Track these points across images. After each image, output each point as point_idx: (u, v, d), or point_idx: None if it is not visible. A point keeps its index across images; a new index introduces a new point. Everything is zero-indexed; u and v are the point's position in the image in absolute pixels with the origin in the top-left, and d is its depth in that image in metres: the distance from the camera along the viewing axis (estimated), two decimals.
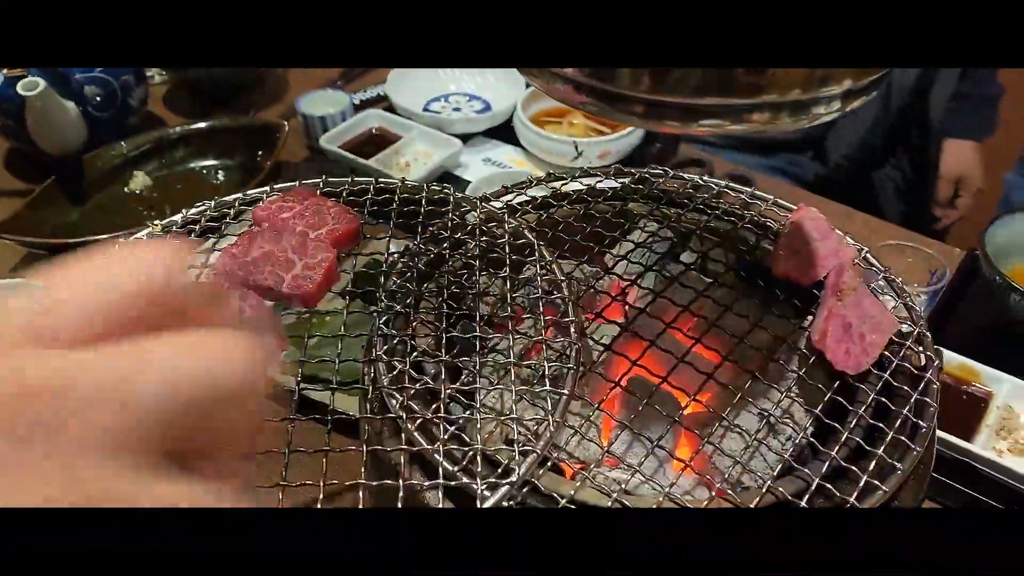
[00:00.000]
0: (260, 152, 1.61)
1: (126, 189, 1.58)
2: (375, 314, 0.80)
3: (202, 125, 1.64)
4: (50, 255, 1.41)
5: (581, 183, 0.99)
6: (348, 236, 0.75)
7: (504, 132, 1.71)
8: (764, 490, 0.67)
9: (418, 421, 0.69)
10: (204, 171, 1.64)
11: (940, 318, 1.24)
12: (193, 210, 0.90)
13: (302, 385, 0.74)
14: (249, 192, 0.92)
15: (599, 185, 0.99)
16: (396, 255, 0.86)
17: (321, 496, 0.65)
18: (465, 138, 1.66)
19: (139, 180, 1.59)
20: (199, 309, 0.30)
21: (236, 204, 0.91)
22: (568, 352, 0.71)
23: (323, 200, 0.80)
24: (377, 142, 1.64)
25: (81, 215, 1.52)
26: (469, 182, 1.53)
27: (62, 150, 1.54)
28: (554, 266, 0.79)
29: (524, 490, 0.66)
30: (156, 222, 0.89)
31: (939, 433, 0.89)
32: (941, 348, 1.10)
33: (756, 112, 0.56)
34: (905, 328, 0.82)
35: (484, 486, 0.63)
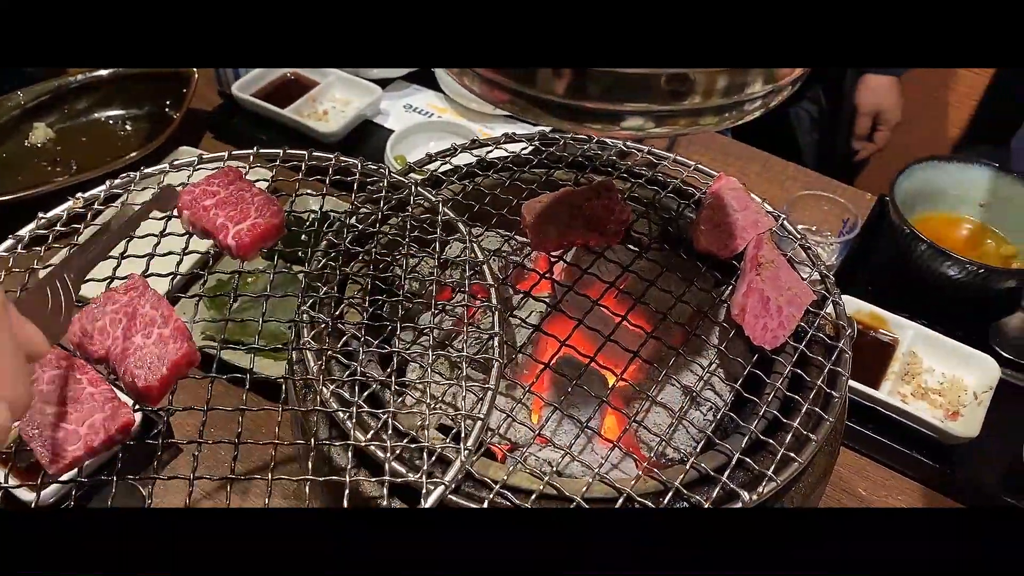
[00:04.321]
0: (169, 101, 1.55)
1: (27, 143, 1.50)
2: (302, 298, 0.80)
3: (104, 73, 1.55)
4: None
5: (506, 150, 0.98)
6: (271, 231, 0.74)
7: (424, 75, 1.67)
8: (688, 466, 0.70)
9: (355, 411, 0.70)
10: (110, 121, 1.56)
11: (851, 265, 1.29)
12: (118, 181, 0.87)
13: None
14: (176, 162, 0.89)
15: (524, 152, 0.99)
16: (324, 233, 0.85)
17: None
18: (384, 83, 1.62)
19: (40, 132, 1.51)
20: None
21: (162, 177, 0.88)
22: (492, 342, 0.73)
23: (247, 185, 0.78)
24: (292, 89, 1.59)
25: None
26: (391, 131, 1.49)
27: None
28: (478, 249, 0.79)
29: (459, 477, 0.68)
30: (79, 195, 0.86)
31: (850, 382, 0.94)
32: (852, 297, 1.15)
33: (679, 116, 0.56)
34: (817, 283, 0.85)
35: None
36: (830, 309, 0.84)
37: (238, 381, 0.71)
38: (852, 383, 1.06)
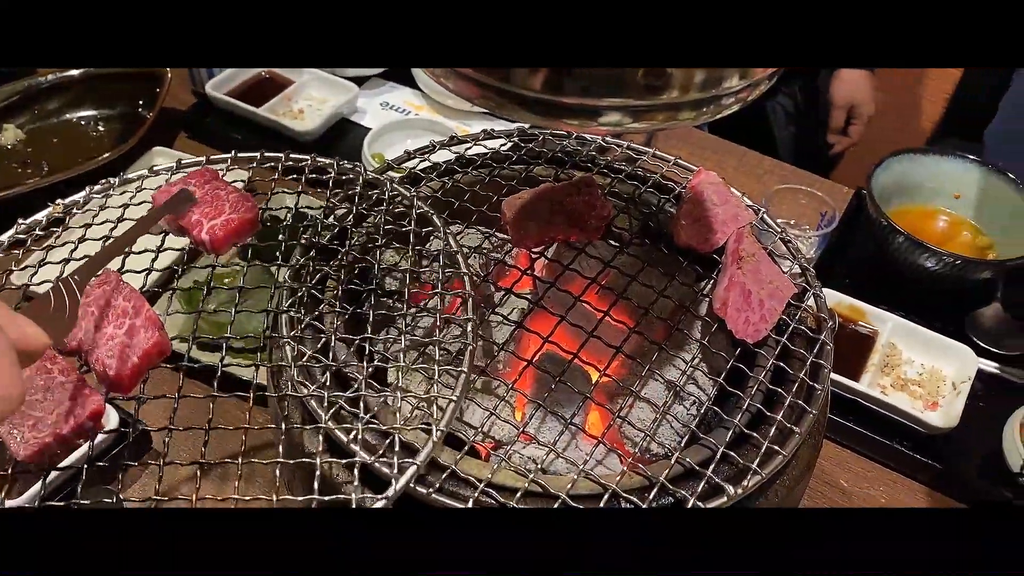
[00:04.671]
0: (142, 101, 1.53)
1: None
2: (279, 292, 0.79)
3: (75, 73, 1.53)
4: None
5: (485, 146, 0.98)
6: (244, 226, 0.73)
7: (401, 73, 1.66)
8: (673, 461, 0.70)
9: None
10: (82, 122, 1.54)
11: (829, 258, 1.30)
12: (97, 187, 0.86)
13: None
14: (156, 167, 0.88)
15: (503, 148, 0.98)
16: (300, 230, 0.84)
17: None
18: (360, 81, 1.61)
19: (10, 134, 1.48)
20: None
21: (142, 182, 0.87)
22: (465, 328, 0.73)
23: (222, 184, 0.77)
24: (267, 87, 1.58)
25: None
26: (368, 129, 1.48)
27: None
28: (452, 240, 0.79)
29: (443, 476, 0.67)
30: (59, 201, 0.85)
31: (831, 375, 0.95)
32: (831, 290, 1.16)
33: (656, 111, 0.56)
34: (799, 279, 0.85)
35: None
36: (811, 302, 0.84)
37: (210, 373, 0.71)
38: (833, 375, 1.07)
